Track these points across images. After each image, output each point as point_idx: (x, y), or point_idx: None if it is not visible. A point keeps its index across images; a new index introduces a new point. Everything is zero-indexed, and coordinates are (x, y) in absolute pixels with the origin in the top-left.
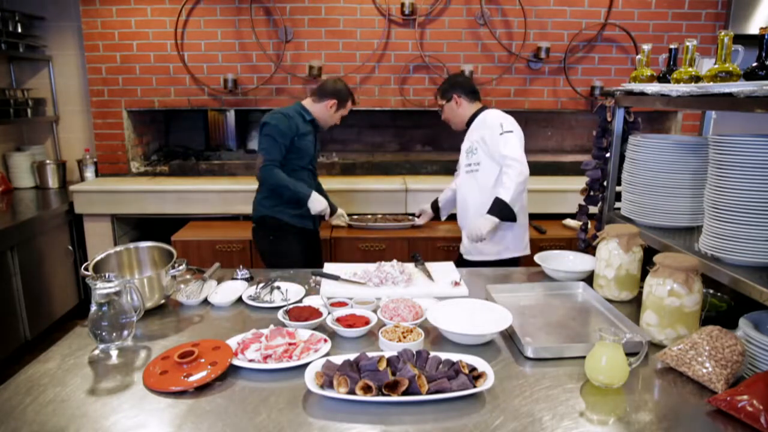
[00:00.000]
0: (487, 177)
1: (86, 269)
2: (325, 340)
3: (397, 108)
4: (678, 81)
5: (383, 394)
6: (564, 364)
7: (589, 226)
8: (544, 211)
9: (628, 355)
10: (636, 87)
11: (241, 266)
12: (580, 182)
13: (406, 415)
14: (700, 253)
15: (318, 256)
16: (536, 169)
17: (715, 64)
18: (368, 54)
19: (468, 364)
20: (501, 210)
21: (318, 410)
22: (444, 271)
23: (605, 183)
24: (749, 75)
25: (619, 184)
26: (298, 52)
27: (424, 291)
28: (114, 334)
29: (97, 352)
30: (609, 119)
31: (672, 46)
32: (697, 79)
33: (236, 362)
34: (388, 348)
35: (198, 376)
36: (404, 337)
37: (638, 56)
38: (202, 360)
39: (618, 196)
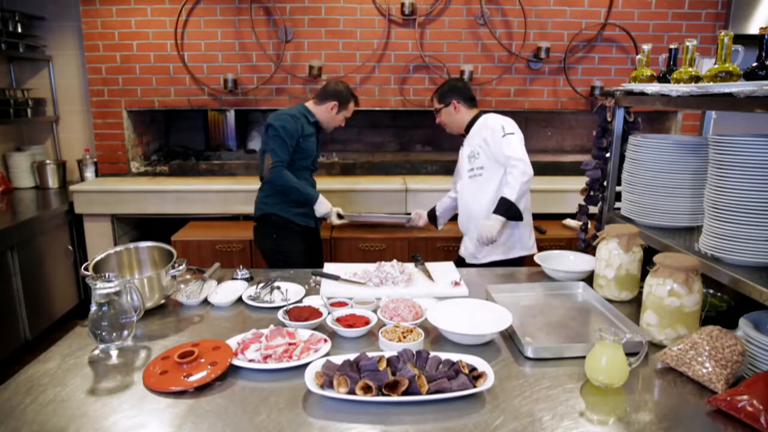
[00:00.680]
0: (490, 180)
1: (86, 269)
2: (325, 340)
3: (397, 108)
4: (678, 81)
5: (383, 394)
6: (564, 364)
7: (589, 226)
8: (544, 211)
9: (628, 355)
10: (636, 87)
11: (241, 266)
12: (580, 182)
13: (406, 415)
14: (700, 253)
15: (319, 255)
16: (536, 169)
17: (715, 64)
18: (368, 54)
19: (468, 364)
20: (507, 209)
21: (318, 410)
22: (444, 271)
23: (605, 183)
24: (749, 75)
25: (619, 184)
26: (298, 52)
27: (424, 291)
28: (114, 334)
29: (97, 352)
30: (609, 119)
31: (672, 46)
32: (697, 79)
33: (236, 362)
34: (388, 348)
35: (198, 376)
36: (404, 337)
37: (638, 56)
38: (202, 360)
39: (618, 196)
